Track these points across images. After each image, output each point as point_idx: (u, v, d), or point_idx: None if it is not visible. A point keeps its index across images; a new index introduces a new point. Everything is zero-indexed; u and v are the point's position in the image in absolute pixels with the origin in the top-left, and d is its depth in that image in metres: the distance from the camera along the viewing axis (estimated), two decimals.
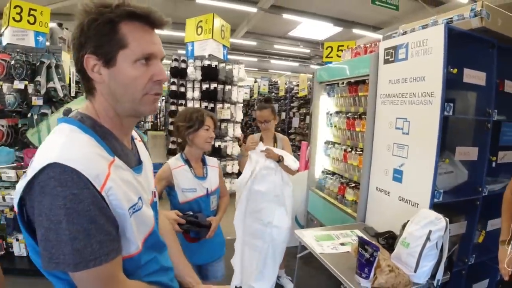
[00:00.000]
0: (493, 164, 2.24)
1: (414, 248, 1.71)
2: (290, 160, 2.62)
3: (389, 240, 2.18)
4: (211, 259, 1.98)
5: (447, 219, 1.72)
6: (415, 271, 1.69)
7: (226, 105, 5.09)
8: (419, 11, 7.15)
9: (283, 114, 8.93)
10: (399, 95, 2.33)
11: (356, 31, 9.00)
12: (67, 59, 3.49)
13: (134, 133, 0.95)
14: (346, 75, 3.05)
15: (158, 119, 11.39)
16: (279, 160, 2.58)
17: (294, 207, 3.77)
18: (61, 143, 0.70)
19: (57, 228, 0.63)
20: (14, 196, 0.71)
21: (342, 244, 2.22)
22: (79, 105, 2.86)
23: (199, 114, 1.84)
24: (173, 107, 4.56)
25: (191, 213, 1.81)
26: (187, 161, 1.89)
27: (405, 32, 2.36)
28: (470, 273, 2.34)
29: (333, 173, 3.56)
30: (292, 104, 8.72)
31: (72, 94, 3.63)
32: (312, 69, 13.90)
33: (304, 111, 8.04)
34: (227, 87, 4.96)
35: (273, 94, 9.48)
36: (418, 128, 2.16)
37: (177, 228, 1.70)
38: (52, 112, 3.08)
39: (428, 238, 1.68)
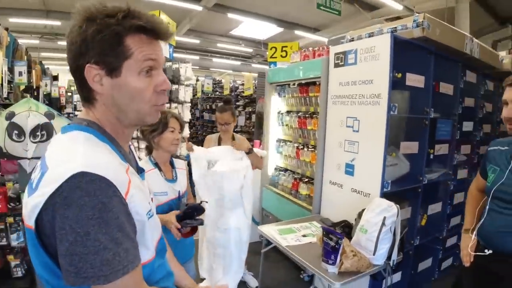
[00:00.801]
0: (431, 156, 2.59)
1: (372, 233, 1.92)
2: (259, 150, 2.72)
3: (345, 228, 2.38)
4: (183, 261, 1.97)
5: (398, 206, 1.96)
6: (374, 254, 1.90)
7: (174, 105, 4.97)
8: (356, 15, 7.74)
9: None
10: (349, 96, 2.55)
11: (297, 32, 9.40)
12: None
13: None
14: (297, 76, 3.23)
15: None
16: (249, 151, 2.57)
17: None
18: (82, 151, 0.67)
19: (85, 240, 0.60)
20: (27, 210, 0.66)
21: (304, 235, 2.38)
22: (22, 108, 2.62)
23: (162, 116, 1.80)
24: None
25: (179, 212, 1.75)
26: (156, 165, 1.86)
27: (353, 38, 2.60)
28: (416, 253, 2.67)
29: (286, 170, 3.74)
30: (237, 103, 8.82)
31: (5, 94, 3.26)
32: (254, 68, 14.17)
33: (250, 110, 8.18)
34: (174, 87, 4.85)
35: (218, 93, 9.47)
36: (367, 126, 2.40)
37: (176, 232, 1.66)
38: None
39: (383, 224, 1.91)
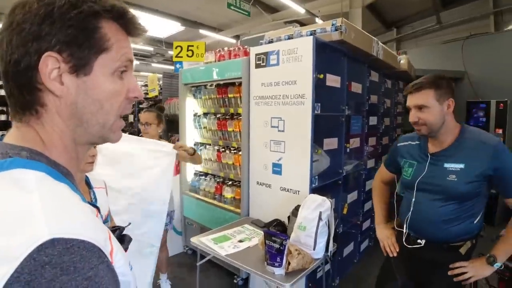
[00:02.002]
0: (348, 150, 2.82)
1: (311, 229, 1.98)
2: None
3: (279, 227, 2.41)
4: None
5: (330, 200, 2.06)
6: (314, 249, 1.96)
7: None
8: (257, 16, 7.99)
9: (131, 117, 8.28)
10: (272, 97, 2.58)
11: (202, 31, 9.23)
12: None
13: None
14: (215, 77, 3.14)
15: None
16: (194, 152, 2.57)
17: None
18: (41, 205, 0.44)
19: None
20: None
21: (241, 240, 2.31)
22: None
23: None
24: (2, 117, 3.55)
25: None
26: None
27: (272, 40, 2.63)
28: (341, 240, 2.87)
29: (207, 174, 3.61)
30: (141, 106, 8.21)
31: None
32: (154, 67, 13.42)
33: None
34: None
35: None
36: (293, 126, 2.46)
37: None
38: None
39: (320, 218, 1.98)
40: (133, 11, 0.59)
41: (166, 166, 2.38)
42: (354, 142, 3.00)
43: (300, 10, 6.61)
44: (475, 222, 1.53)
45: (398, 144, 1.81)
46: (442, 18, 6.84)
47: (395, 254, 1.74)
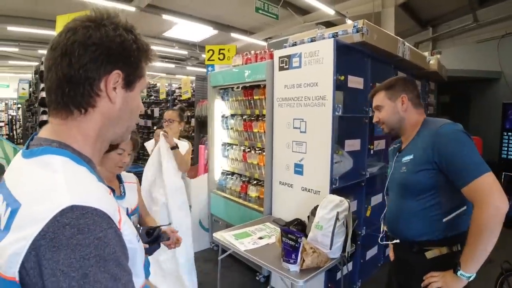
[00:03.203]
0: (371, 152, 2.81)
1: (327, 228, 2.01)
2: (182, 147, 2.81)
3: (298, 226, 2.46)
4: None
5: (348, 200, 2.08)
6: (330, 248, 1.99)
7: None
8: (289, 18, 8.03)
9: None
10: (295, 99, 2.64)
11: (233, 34, 9.43)
12: None
13: None
14: (242, 80, 3.25)
15: (15, 131, 9.19)
16: (175, 147, 2.70)
17: (197, 210, 3.81)
18: (64, 180, 0.57)
19: (83, 284, 0.51)
20: (6, 263, 0.53)
21: (261, 237, 2.39)
22: None
23: None
24: (44, 117, 3.89)
25: (144, 236, 1.63)
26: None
27: (295, 43, 2.69)
28: (364, 243, 2.87)
29: (233, 173, 3.73)
30: (174, 108, 8.56)
31: None
32: (188, 70, 13.86)
33: (189, 114, 7.99)
34: None
35: (153, 97, 9.05)
36: (314, 127, 2.51)
37: None
38: None
39: (337, 219, 2.01)
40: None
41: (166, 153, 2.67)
42: (379, 144, 2.97)
43: (330, 11, 6.57)
44: (444, 220, 1.40)
45: (389, 149, 1.86)
46: (478, 16, 6.48)
47: (392, 258, 1.75)
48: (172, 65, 13.46)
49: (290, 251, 1.88)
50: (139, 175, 5.97)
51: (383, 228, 1.71)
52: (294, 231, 1.91)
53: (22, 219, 0.54)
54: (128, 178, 1.88)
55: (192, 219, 3.76)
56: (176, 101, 8.33)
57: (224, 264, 3.43)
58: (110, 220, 0.57)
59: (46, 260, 0.50)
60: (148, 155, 2.83)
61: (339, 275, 2.64)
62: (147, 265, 1.88)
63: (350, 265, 2.77)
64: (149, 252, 1.63)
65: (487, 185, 1.24)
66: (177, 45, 11.38)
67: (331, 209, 2.05)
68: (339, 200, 2.07)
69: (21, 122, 7.64)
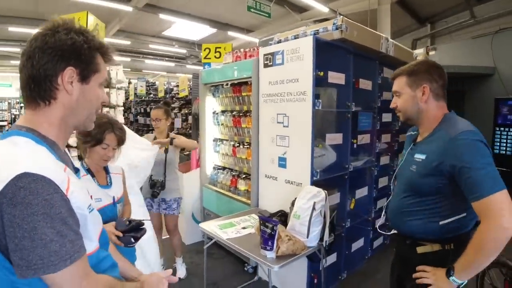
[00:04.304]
0: (355, 146, 2.89)
1: (304, 218, 2.10)
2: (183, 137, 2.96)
3: (282, 217, 2.55)
4: None
5: (326, 191, 2.17)
6: (307, 237, 2.08)
7: (106, 109, 4.74)
8: (286, 16, 8.12)
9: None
10: (278, 94, 2.73)
11: (231, 33, 9.53)
12: None
13: None
14: (230, 77, 3.34)
15: None
16: (171, 141, 2.88)
17: (190, 204, 3.92)
18: (23, 154, 0.73)
19: (32, 235, 0.66)
20: None
21: (244, 228, 2.49)
22: None
23: (99, 131, 1.74)
24: None
25: (124, 224, 1.74)
26: (88, 170, 1.80)
27: (280, 40, 2.78)
28: (348, 235, 2.95)
29: (224, 168, 3.83)
30: (173, 105, 8.66)
31: None
32: (188, 69, 13.97)
33: (186, 111, 8.11)
34: (105, 90, 4.63)
35: (152, 95, 9.19)
36: (296, 121, 2.59)
37: (117, 242, 1.66)
38: None
39: (313, 208, 2.10)
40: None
41: (147, 157, 2.73)
42: (363, 138, 3.04)
43: (324, 9, 6.63)
44: (440, 223, 1.37)
45: (406, 134, 1.78)
46: (476, 13, 6.52)
47: None
48: (172, 64, 13.58)
49: (267, 238, 1.97)
50: None
51: (384, 216, 1.69)
52: (271, 219, 2.01)
53: None
54: (115, 169, 1.97)
55: (185, 213, 3.88)
56: (174, 99, 8.44)
57: (215, 256, 3.55)
58: (56, 187, 0.71)
59: (6, 214, 0.66)
60: None
61: (321, 264, 2.73)
62: (132, 251, 2.00)
63: (334, 256, 2.86)
64: (123, 242, 1.74)
65: (499, 204, 1.17)
66: (177, 44, 11.50)
67: (308, 199, 2.14)
68: (316, 191, 2.16)
69: None
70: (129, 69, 13.97)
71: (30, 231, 0.66)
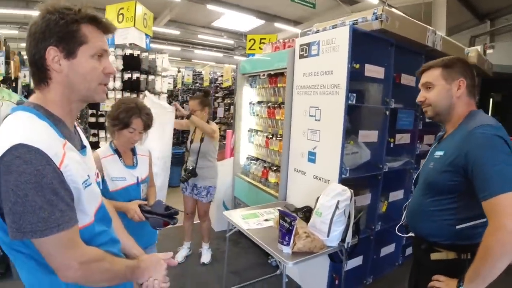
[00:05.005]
0: (391, 145, 2.71)
1: (326, 216, 2.01)
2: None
3: (307, 213, 2.47)
4: (144, 246, 2.01)
5: (352, 190, 2.05)
6: (328, 236, 1.99)
7: (148, 94, 4.95)
8: (336, 8, 7.84)
9: (211, 105, 9.00)
10: (311, 87, 2.63)
11: (277, 25, 9.44)
12: None
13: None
14: (266, 67, 3.29)
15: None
16: (188, 116, 2.94)
17: (221, 192, 3.98)
18: (22, 127, 0.79)
19: (24, 201, 0.72)
20: None
21: (266, 220, 2.46)
22: None
23: (127, 115, 1.83)
24: (93, 119, 4.30)
25: (161, 207, 1.82)
26: (116, 151, 1.89)
27: (318, 30, 2.68)
28: (378, 239, 2.79)
29: (257, 159, 3.82)
30: (216, 95, 8.84)
31: None
32: (236, 60, 14.13)
33: (229, 101, 8.23)
34: (151, 77, 4.83)
35: (198, 84, 9.44)
36: (328, 115, 2.49)
37: (137, 217, 1.76)
38: None
39: (336, 207, 2.00)
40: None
41: (167, 121, 2.85)
42: (402, 138, 2.84)
43: (374, 1, 6.27)
44: (457, 227, 1.30)
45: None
46: None
47: None
48: (220, 54, 13.81)
49: (284, 233, 1.93)
50: (178, 157, 6.24)
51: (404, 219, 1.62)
52: (290, 214, 1.95)
53: None
54: (141, 151, 2.06)
55: (216, 200, 3.96)
56: (218, 88, 8.60)
57: (241, 245, 3.59)
58: (49, 159, 0.76)
59: (3, 179, 0.73)
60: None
61: (348, 268, 2.62)
62: (154, 232, 2.07)
63: (360, 259, 2.73)
64: (152, 223, 1.81)
65: (507, 205, 1.09)
66: (225, 35, 11.66)
67: (332, 197, 2.05)
68: (341, 189, 2.06)
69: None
70: (179, 59, 14.47)
71: (22, 197, 0.72)
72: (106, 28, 0.92)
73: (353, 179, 2.47)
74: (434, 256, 1.36)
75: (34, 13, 0.88)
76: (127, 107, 1.85)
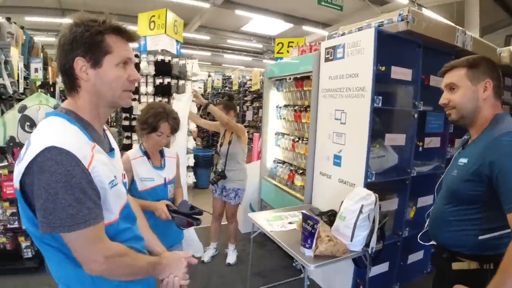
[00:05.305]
0: (420, 149, 2.62)
1: (350, 220, 2.00)
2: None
3: (331, 217, 2.46)
4: (170, 244, 2.09)
5: (376, 195, 2.02)
6: (351, 240, 1.97)
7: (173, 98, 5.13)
8: (365, 9, 7.70)
9: (237, 108, 9.13)
10: (337, 90, 2.62)
11: (306, 28, 9.41)
12: (15, 55, 3.33)
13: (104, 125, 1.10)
14: (292, 71, 3.32)
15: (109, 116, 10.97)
16: (206, 105, 3.01)
17: (248, 194, 4.02)
18: (55, 131, 0.86)
19: (54, 199, 0.79)
20: (15, 175, 0.85)
21: (290, 223, 2.47)
22: (33, 102, 2.84)
23: (155, 120, 1.92)
24: (126, 122, 4.53)
25: (186, 207, 1.92)
26: (145, 153, 2.00)
27: (344, 33, 2.66)
28: (405, 245, 2.71)
29: (283, 162, 3.83)
30: (245, 98, 8.94)
31: (21, 90, 3.48)
32: (265, 63, 14.22)
33: (257, 104, 8.30)
34: (181, 82, 5.00)
35: (227, 88, 9.61)
36: (353, 118, 2.47)
37: (164, 216, 1.85)
38: (2, 110, 2.95)
39: (360, 211, 1.98)
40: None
41: (184, 103, 3.07)
42: (431, 142, 2.74)
43: (404, 1, 6.08)
44: (479, 237, 1.25)
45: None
46: None
47: None
48: (250, 58, 13.96)
49: (307, 236, 1.93)
50: (207, 159, 6.38)
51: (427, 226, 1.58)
52: (312, 217, 1.96)
53: (28, 152, 0.83)
54: (169, 153, 2.15)
55: (243, 202, 4.01)
56: (246, 92, 8.70)
57: (267, 248, 3.61)
58: (78, 161, 0.83)
59: (36, 179, 0.80)
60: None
61: (372, 273, 2.56)
62: (178, 233, 2.15)
63: (386, 265, 2.67)
64: (176, 222, 1.89)
65: None
66: (254, 39, 11.78)
67: (356, 202, 2.03)
68: (366, 194, 2.03)
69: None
70: (210, 63, 14.79)
71: (53, 195, 0.79)
72: (129, 37, 0.98)
73: (380, 183, 2.42)
74: (456, 265, 1.32)
75: (69, 21, 0.95)
76: (155, 112, 1.94)
